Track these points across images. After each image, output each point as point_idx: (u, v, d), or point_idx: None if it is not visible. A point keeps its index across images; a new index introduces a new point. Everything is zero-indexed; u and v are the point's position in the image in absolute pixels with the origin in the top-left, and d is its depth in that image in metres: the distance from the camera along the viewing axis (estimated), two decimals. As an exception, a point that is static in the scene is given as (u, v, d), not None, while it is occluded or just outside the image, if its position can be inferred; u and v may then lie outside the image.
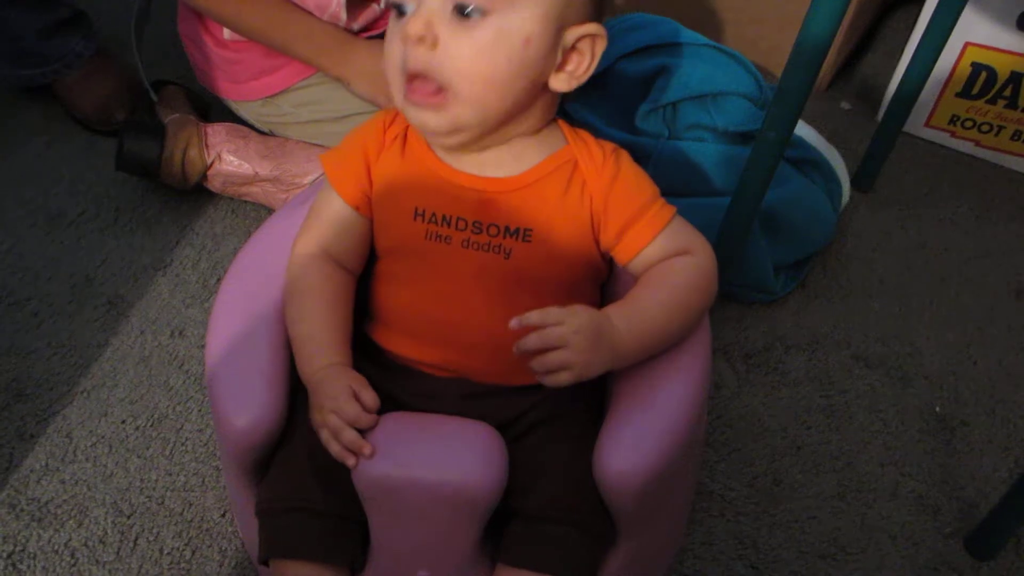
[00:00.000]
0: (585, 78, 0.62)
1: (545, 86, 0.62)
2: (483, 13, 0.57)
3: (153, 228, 1.06)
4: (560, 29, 0.60)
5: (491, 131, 0.62)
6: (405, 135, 0.66)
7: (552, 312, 0.57)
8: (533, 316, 0.56)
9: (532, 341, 0.56)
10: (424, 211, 0.63)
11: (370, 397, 0.60)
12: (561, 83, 0.62)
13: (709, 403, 0.91)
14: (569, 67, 0.61)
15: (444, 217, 0.63)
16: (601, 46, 0.62)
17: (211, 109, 1.13)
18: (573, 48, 0.61)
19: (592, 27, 0.61)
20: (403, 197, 0.64)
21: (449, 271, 0.63)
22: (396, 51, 0.60)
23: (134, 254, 1.03)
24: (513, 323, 0.56)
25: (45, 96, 1.19)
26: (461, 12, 0.57)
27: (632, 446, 0.59)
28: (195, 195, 1.08)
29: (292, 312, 0.65)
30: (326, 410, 0.59)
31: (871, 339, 1.01)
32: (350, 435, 0.58)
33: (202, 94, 1.12)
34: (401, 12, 0.60)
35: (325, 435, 0.59)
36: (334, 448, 0.58)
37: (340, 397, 0.59)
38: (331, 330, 0.64)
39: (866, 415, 0.93)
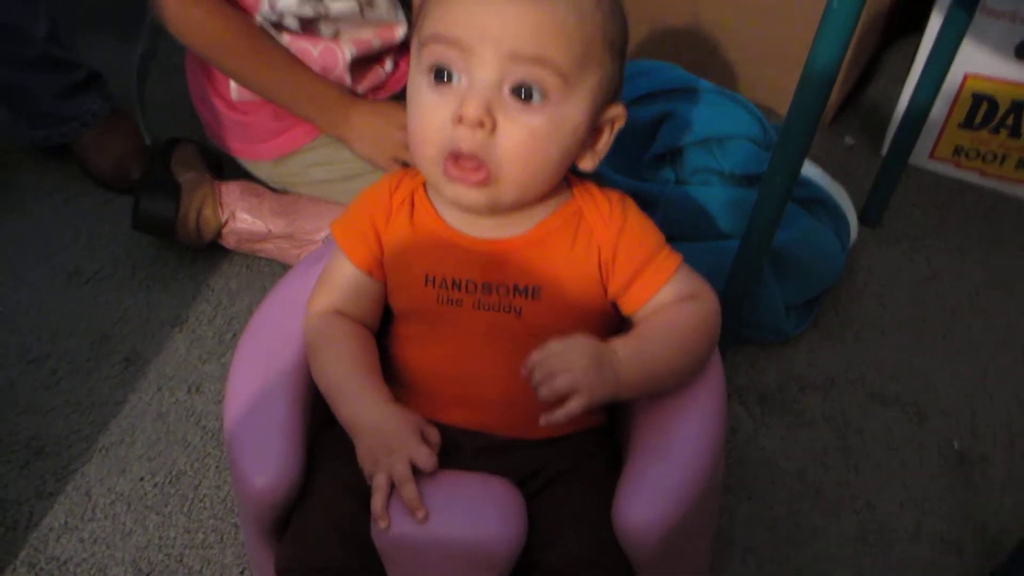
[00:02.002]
0: (603, 154, 0.63)
1: (573, 166, 0.63)
2: (543, 96, 0.56)
3: (169, 285, 1.07)
4: (599, 114, 0.61)
5: (521, 207, 0.62)
6: (412, 199, 0.66)
7: (552, 344, 0.57)
8: (534, 356, 0.56)
9: (537, 371, 0.56)
10: (434, 277, 0.63)
11: (434, 434, 0.59)
12: (588, 163, 0.63)
13: (725, 447, 0.91)
14: (598, 146, 0.63)
15: (454, 281, 0.63)
16: (620, 124, 0.63)
17: (224, 164, 1.15)
18: (600, 128, 0.62)
19: (619, 108, 0.62)
20: (413, 264, 0.64)
21: (462, 333, 0.63)
22: (437, 124, 0.57)
23: (151, 311, 1.04)
24: (523, 372, 0.56)
25: (62, 155, 1.21)
26: (520, 93, 0.56)
27: (650, 498, 0.58)
28: (210, 251, 1.10)
29: (319, 361, 0.64)
30: (397, 455, 0.57)
31: (885, 376, 1.01)
32: (413, 490, 0.56)
33: (215, 150, 1.13)
34: (441, 77, 0.57)
35: (380, 481, 0.56)
36: (378, 501, 0.56)
37: (411, 441, 0.58)
38: (366, 373, 0.64)
39: (884, 454, 0.93)
